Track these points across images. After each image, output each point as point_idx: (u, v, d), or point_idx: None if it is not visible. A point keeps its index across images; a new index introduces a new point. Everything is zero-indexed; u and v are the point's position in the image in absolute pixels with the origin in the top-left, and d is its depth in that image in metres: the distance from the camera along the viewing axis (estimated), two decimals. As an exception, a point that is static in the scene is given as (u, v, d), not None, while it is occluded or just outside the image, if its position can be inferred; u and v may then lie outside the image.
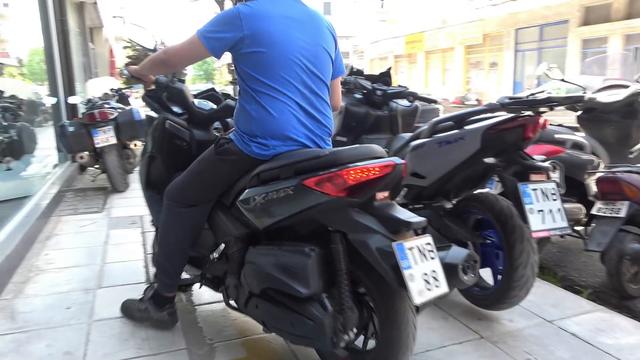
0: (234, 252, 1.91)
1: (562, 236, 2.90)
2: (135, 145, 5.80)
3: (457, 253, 1.65)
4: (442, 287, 1.55)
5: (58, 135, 5.35)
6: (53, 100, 5.97)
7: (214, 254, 1.99)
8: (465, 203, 2.42)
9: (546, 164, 2.22)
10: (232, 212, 1.92)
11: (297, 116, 1.77)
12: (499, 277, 2.23)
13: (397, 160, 1.59)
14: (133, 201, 4.78)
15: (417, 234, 1.62)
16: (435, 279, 1.54)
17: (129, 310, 2.32)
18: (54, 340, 2.12)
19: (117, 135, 5.05)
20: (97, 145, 4.96)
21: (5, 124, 4.61)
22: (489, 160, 2.24)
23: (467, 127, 2.27)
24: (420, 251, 1.54)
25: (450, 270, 1.61)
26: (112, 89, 6.16)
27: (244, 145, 1.80)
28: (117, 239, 3.57)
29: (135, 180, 5.87)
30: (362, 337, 1.78)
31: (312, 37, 1.81)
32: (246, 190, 1.78)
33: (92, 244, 3.45)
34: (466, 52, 23.00)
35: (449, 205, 2.54)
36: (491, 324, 2.29)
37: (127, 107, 5.54)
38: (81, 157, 5.19)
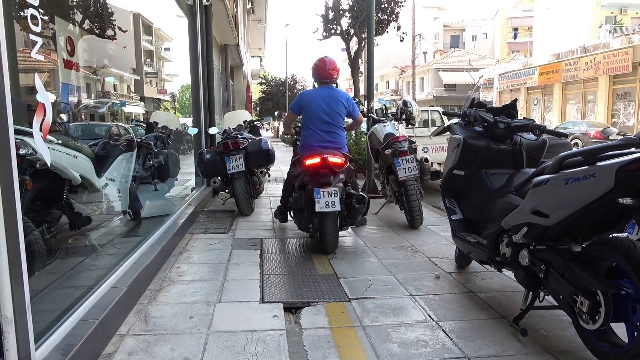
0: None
1: None
2: (262, 172, 6.22)
3: (355, 196, 4.05)
4: (336, 208, 3.81)
5: (197, 161, 5.97)
6: (195, 130, 6.70)
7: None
8: (596, 247, 2.18)
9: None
10: None
11: (316, 138, 4.17)
12: (636, 334, 1.95)
13: (324, 156, 3.90)
14: (256, 224, 5.12)
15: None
16: (333, 204, 3.80)
17: (275, 212, 4.85)
18: (177, 345, 2.34)
19: (245, 163, 5.48)
20: (228, 172, 5.43)
21: (156, 150, 5.29)
22: (625, 200, 2.01)
23: (599, 164, 2.06)
24: (329, 193, 3.81)
25: (349, 204, 4.01)
26: (245, 121, 6.74)
27: (299, 149, 4.26)
28: (239, 258, 3.85)
29: (259, 205, 6.29)
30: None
31: (329, 105, 4.21)
32: None
33: (217, 261, 3.77)
34: (612, 83, 20.83)
35: (577, 249, 2.31)
36: (625, 388, 2.00)
37: (257, 138, 5.99)
38: (214, 182, 5.71)
